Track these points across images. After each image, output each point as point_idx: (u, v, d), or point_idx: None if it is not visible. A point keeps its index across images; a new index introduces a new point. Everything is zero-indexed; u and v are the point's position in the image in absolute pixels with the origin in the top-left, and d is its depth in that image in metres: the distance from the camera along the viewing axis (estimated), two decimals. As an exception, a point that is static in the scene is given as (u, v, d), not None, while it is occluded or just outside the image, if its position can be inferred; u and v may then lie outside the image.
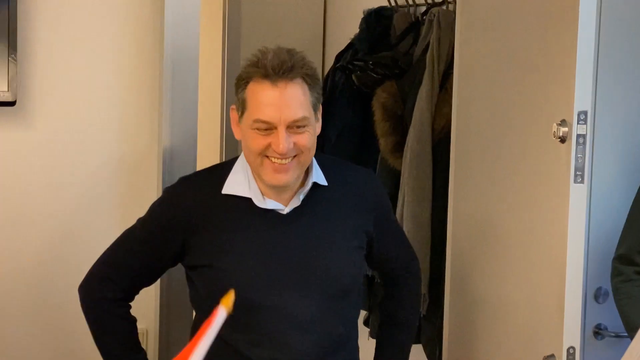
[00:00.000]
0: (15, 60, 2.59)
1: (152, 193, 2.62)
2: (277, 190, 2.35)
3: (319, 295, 2.36)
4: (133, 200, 2.72)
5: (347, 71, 3.66)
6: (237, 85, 2.32)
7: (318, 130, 2.39)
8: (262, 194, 2.35)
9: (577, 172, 2.37)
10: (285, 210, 2.36)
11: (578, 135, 2.35)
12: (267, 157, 2.28)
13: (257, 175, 2.34)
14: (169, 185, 2.51)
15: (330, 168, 2.44)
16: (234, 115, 2.36)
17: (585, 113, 2.34)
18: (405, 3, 3.72)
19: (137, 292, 2.46)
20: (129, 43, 2.72)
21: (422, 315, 3.38)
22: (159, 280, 2.71)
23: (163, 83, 2.70)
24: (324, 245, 2.38)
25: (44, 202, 2.72)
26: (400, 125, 3.47)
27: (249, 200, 2.35)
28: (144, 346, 2.82)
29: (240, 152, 2.42)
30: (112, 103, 2.73)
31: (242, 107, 2.30)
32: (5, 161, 2.68)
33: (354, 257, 2.44)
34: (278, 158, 2.27)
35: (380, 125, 3.49)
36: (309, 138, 2.29)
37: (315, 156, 2.39)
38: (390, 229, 2.58)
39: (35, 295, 2.75)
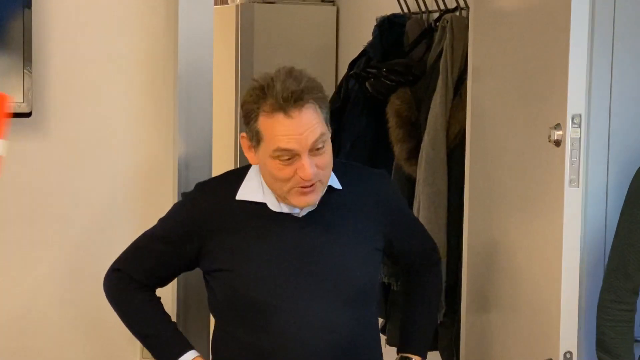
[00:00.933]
0: (31, 72, 2.60)
1: (168, 202, 2.62)
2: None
3: (334, 299, 2.36)
4: (149, 209, 2.72)
5: (360, 79, 3.67)
6: (247, 117, 2.30)
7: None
8: (277, 199, 2.36)
9: (572, 176, 2.37)
10: (301, 213, 2.37)
11: (572, 139, 2.35)
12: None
13: (282, 199, 2.33)
14: (223, 173, 2.51)
15: (344, 172, 2.44)
16: (245, 142, 2.34)
17: (579, 116, 2.34)
18: (418, 10, 3.73)
19: (155, 289, 2.49)
20: (143, 53, 2.73)
21: (439, 322, 3.38)
22: (175, 285, 2.72)
23: (177, 92, 2.71)
24: (339, 249, 2.39)
25: (61, 212, 2.73)
26: (414, 132, 3.48)
27: (264, 205, 2.36)
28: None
29: (236, 163, 2.44)
30: (127, 113, 2.74)
31: (256, 139, 2.28)
32: (22, 172, 2.68)
33: (370, 260, 2.44)
34: (303, 182, 2.28)
35: (395, 132, 3.50)
36: (328, 156, 2.30)
37: None
38: (408, 225, 2.59)
39: (54, 306, 2.76)
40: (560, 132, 2.37)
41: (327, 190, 2.38)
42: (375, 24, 3.79)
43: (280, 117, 2.24)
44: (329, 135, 2.32)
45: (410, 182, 3.48)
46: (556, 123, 2.39)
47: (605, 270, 3.05)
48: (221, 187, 2.41)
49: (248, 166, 2.42)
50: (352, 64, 3.81)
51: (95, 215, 2.74)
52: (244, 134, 2.33)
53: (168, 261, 2.43)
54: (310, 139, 2.26)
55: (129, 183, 2.75)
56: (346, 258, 2.38)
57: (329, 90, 3.80)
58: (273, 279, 2.33)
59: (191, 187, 2.56)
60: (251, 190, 2.37)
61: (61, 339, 2.78)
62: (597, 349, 2.99)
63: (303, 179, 2.26)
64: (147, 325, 2.45)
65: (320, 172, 2.28)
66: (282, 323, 2.32)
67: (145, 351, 2.54)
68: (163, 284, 2.49)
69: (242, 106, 2.34)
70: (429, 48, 3.59)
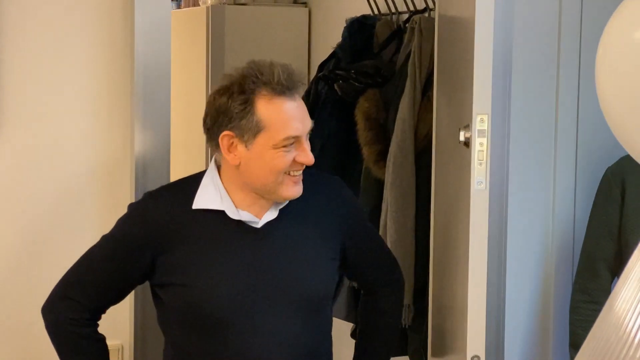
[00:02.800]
0: (-16, 72, 2.55)
1: (125, 204, 2.57)
2: (256, 202, 2.30)
3: (293, 311, 2.31)
4: (106, 212, 2.68)
5: (329, 80, 3.64)
6: (234, 112, 2.20)
7: None
8: (235, 205, 2.29)
9: (479, 178, 2.35)
10: (260, 223, 2.31)
11: (478, 140, 2.33)
12: (287, 173, 2.25)
13: (266, 193, 2.26)
14: (170, 182, 2.48)
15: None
16: (226, 141, 2.23)
17: (485, 116, 2.33)
18: (388, 11, 3.70)
19: (104, 312, 2.37)
20: (99, 51, 2.69)
21: (407, 326, 3.34)
22: (133, 295, 2.67)
23: (134, 92, 2.67)
24: (297, 259, 2.34)
25: (13, 215, 2.68)
26: (383, 134, 3.44)
27: (221, 213, 2.29)
28: (120, 362, 2.78)
29: (208, 166, 2.37)
30: (83, 114, 2.70)
31: (255, 130, 2.20)
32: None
33: (328, 269, 2.39)
34: (298, 170, 2.25)
35: (363, 134, 3.46)
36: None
37: None
38: (365, 236, 2.53)
39: (3, 307, 2.71)
40: (469, 134, 2.37)
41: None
42: (344, 25, 3.75)
43: (285, 101, 2.20)
44: None
45: (379, 185, 3.44)
46: (465, 124, 2.38)
47: (576, 272, 3.04)
48: (174, 195, 2.33)
49: (201, 173, 2.35)
50: (322, 66, 3.78)
51: (50, 218, 2.70)
52: (227, 132, 2.22)
53: (121, 280, 2.34)
54: (307, 126, 2.25)
55: (84, 185, 2.71)
56: (303, 270, 2.33)
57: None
58: (229, 293, 2.27)
59: (149, 189, 2.49)
60: (208, 197, 2.29)
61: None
62: (570, 349, 2.97)
63: (303, 164, 2.24)
64: None
65: None
66: (238, 338, 2.27)
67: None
68: (115, 303, 2.39)
69: (220, 105, 2.22)
70: (398, 49, 3.55)
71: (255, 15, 4.43)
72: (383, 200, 3.39)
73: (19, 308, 2.72)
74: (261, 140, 2.21)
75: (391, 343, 2.67)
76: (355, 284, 3.49)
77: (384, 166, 3.39)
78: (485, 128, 2.33)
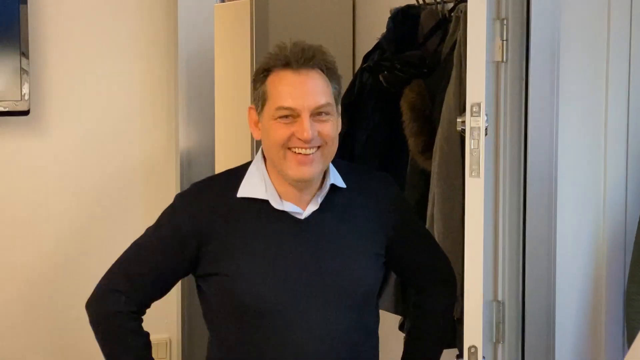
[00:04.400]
0: (28, 69, 2.56)
1: (170, 198, 2.57)
2: (296, 190, 2.29)
3: (335, 304, 2.29)
4: (151, 206, 2.68)
5: (374, 72, 3.61)
6: (256, 80, 2.28)
7: (339, 127, 2.34)
8: (280, 196, 2.29)
9: (473, 166, 2.32)
10: (304, 214, 2.30)
11: (472, 129, 2.30)
12: (290, 149, 2.23)
13: (279, 171, 2.27)
14: (220, 172, 2.47)
15: (347, 172, 2.38)
16: (252, 115, 2.30)
17: (478, 105, 2.30)
18: (433, 0, 3.66)
19: (149, 306, 2.38)
20: (143, 47, 2.69)
21: (457, 318, 3.31)
22: (179, 290, 2.67)
23: (179, 87, 2.66)
24: (341, 252, 2.32)
25: (60, 211, 2.70)
26: (429, 125, 3.41)
27: (266, 202, 2.29)
28: (167, 356, 2.78)
29: (255, 156, 2.37)
30: (127, 109, 2.70)
31: (262, 101, 2.25)
32: (21, 170, 2.66)
33: (372, 264, 2.37)
34: (302, 148, 2.22)
35: (409, 125, 3.43)
36: (332, 127, 2.25)
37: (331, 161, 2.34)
38: (413, 235, 2.50)
39: (50, 306, 2.73)
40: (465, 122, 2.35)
41: (330, 189, 2.31)
42: (389, 15, 3.72)
43: (288, 73, 2.21)
44: (337, 114, 2.26)
45: (426, 176, 3.41)
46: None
47: (630, 263, 2.99)
48: (219, 185, 2.34)
49: (248, 163, 2.35)
50: (366, 57, 3.75)
51: (96, 212, 2.71)
52: (251, 106, 2.28)
53: (167, 271, 2.33)
54: (314, 101, 2.21)
55: (129, 180, 2.71)
56: (346, 263, 2.31)
57: (346, 83, 3.75)
58: (271, 285, 2.26)
59: (194, 182, 2.49)
60: (253, 186, 2.30)
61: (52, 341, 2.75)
62: (625, 344, 2.93)
63: (301, 140, 2.19)
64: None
65: (320, 140, 2.20)
66: (279, 330, 2.25)
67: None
68: (160, 297, 2.39)
69: (253, 78, 2.30)
70: (443, 39, 3.51)
71: (299, 7, 4.40)
72: (429, 192, 3.36)
73: (66, 302, 2.73)
74: (266, 110, 2.24)
75: (441, 343, 2.64)
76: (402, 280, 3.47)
77: (430, 157, 3.36)
78: (479, 117, 2.29)
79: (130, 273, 2.34)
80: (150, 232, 2.36)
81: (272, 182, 2.30)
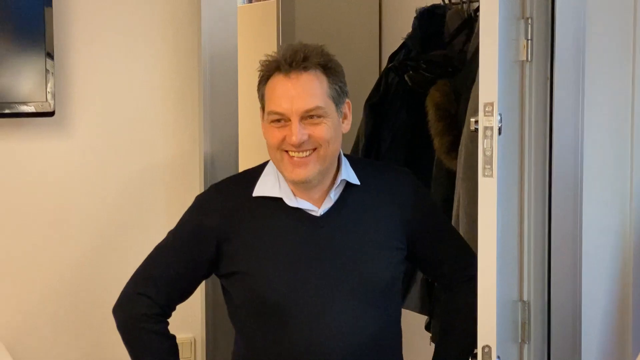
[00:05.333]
0: (53, 71, 2.57)
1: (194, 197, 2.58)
2: (305, 188, 2.30)
3: (354, 300, 2.30)
4: (175, 207, 2.68)
5: (399, 71, 3.60)
6: (259, 83, 2.32)
7: (346, 127, 2.34)
8: (294, 194, 2.30)
9: (486, 166, 2.30)
10: (319, 212, 2.30)
11: (485, 128, 2.28)
12: (286, 151, 2.24)
13: (280, 173, 2.30)
14: (237, 173, 2.51)
15: (363, 168, 2.38)
16: (261, 116, 2.34)
17: (491, 104, 2.28)
18: (459, 0, 3.64)
19: (174, 308, 2.40)
20: (166, 50, 2.70)
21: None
22: (203, 290, 2.67)
23: (202, 88, 2.66)
24: (359, 247, 2.32)
25: (85, 212, 2.71)
26: (454, 125, 3.40)
27: (281, 200, 2.30)
28: (192, 355, 2.78)
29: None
30: (151, 111, 2.71)
31: (262, 104, 2.29)
32: (46, 171, 2.67)
33: (391, 258, 2.37)
34: (295, 152, 2.23)
35: (434, 125, 3.43)
36: (326, 130, 2.25)
37: (347, 157, 2.34)
38: (436, 229, 2.49)
39: (75, 305, 2.74)
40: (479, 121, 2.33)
41: (345, 187, 2.32)
42: (415, 15, 3.72)
43: (279, 78, 2.24)
44: (335, 115, 2.26)
45: (451, 176, 3.40)
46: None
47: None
48: (236, 186, 2.36)
49: (265, 163, 2.36)
50: (392, 57, 3.75)
51: (121, 213, 2.72)
52: (260, 107, 2.33)
53: (189, 273, 2.35)
54: (302, 105, 2.21)
55: (153, 181, 2.72)
56: (365, 259, 2.31)
57: (372, 83, 3.75)
58: (289, 281, 2.27)
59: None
60: (267, 185, 2.32)
61: (85, 333, 2.76)
62: None
63: (290, 144, 2.21)
64: None
65: (313, 143, 2.20)
66: (299, 326, 2.26)
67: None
68: (184, 299, 2.41)
69: (258, 81, 2.33)
70: (469, 39, 3.50)
71: (325, 8, 4.40)
72: (455, 192, 3.35)
73: (92, 301, 2.74)
74: (264, 114, 2.28)
75: (472, 341, 2.62)
76: (429, 278, 3.46)
77: (456, 157, 3.34)
78: (492, 117, 2.28)
79: (154, 276, 2.35)
80: (172, 234, 2.38)
81: (286, 180, 2.31)
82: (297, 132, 2.21)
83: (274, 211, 2.31)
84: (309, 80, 2.24)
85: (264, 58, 2.32)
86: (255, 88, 2.37)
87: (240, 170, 2.64)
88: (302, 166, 2.25)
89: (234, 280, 2.33)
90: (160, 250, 2.38)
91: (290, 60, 2.24)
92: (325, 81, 2.26)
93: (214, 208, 2.34)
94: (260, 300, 2.29)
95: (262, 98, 2.30)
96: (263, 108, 2.30)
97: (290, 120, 2.23)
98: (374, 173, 2.40)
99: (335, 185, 2.32)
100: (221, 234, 2.31)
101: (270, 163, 2.36)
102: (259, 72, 2.32)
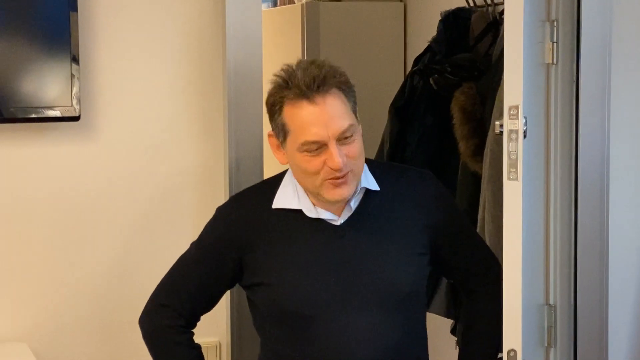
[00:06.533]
0: (78, 75, 2.58)
1: (220, 203, 2.58)
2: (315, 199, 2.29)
3: (377, 307, 2.29)
4: (201, 212, 2.69)
5: (424, 75, 3.60)
6: (271, 111, 2.24)
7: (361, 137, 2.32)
8: (313, 205, 2.29)
9: (511, 169, 2.28)
10: (339, 221, 2.29)
11: (510, 131, 2.26)
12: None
13: (315, 195, 2.27)
14: (257, 183, 2.48)
15: (383, 173, 2.35)
16: (272, 141, 2.28)
17: (516, 108, 2.26)
18: (484, 3, 3.63)
19: (198, 319, 2.40)
20: (191, 55, 2.71)
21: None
22: (229, 295, 2.67)
23: (226, 95, 2.67)
24: (380, 254, 2.30)
25: (111, 215, 2.72)
26: (480, 128, 3.39)
27: (300, 212, 2.28)
28: (217, 359, 2.78)
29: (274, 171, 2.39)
30: (175, 116, 2.72)
31: (282, 133, 2.23)
32: (72, 175, 2.69)
33: (413, 263, 2.35)
34: (333, 175, 2.20)
35: (460, 128, 3.42)
36: (358, 146, 2.23)
37: (367, 161, 2.32)
38: (458, 232, 2.47)
39: (100, 308, 2.75)
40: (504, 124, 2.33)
41: (365, 194, 2.30)
42: (440, 18, 3.71)
43: (304, 105, 2.17)
44: (358, 126, 2.23)
45: (477, 179, 3.39)
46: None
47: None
48: (256, 197, 2.34)
49: (283, 173, 2.35)
50: (417, 60, 3.74)
51: (145, 218, 2.72)
52: (270, 132, 2.25)
53: (212, 284, 2.35)
54: (337, 127, 2.17)
55: (179, 186, 2.73)
56: (387, 265, 2.29)
57: (397, 87, 3.74)
58: (313, 291, 2.26)
59: (242, 188, 2.52)
60: (286, 197, 2.30)
61: (104, 335, 2.77)
62: None
63: (332, 169, 2.17)
64: None
65: (350, 162, 2.18)
66: (324, 335, 2.25)
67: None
68: (208, 310, 2.40)
69: (266, 101, 2.26)
70: (494, 42, 3.49)
71: (350, 12, 4.41)
72: (480, 195, 3.34)
73: (118, 305, 2.75)
74: (289, 143, 2.22)
75: (496, 343, 2.60)
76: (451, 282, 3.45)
77: (481, 160, 3.34)
78: (517, 120, 2.26)
79: (177, 288, 2.36)
80: (194, 246, 2.39)
81: (305, 191, 2.30)
82: (338, 156, 2.17)
83: (295, 222, 2.30)
84: (334, 101, 2.20)
85: (272, 80, 2.24)
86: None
87: (265, 174, 2.63)
88: (342, 186, 2.22)
89: (258, 291, 2.33)
90: (183, 262, 2.39)
91: (311, 84, 2.17)
92: (344, 97, 2.23)
93: (235, 220, 2.34)
94: (284, 311, 2.29)
95: (282, 128, 2.22)
96: (283, 137, 2.23)
97: (326, 145, 2.18)
98: (395, 177, 2.37)
99: (356, 194, 2.29)
100: (243, 245, 2.31)
101: (288, 174, 2.33)
102: (273, 92, 2.24)
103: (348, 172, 2.21)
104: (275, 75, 2.25)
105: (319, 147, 2.19)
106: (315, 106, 2.18)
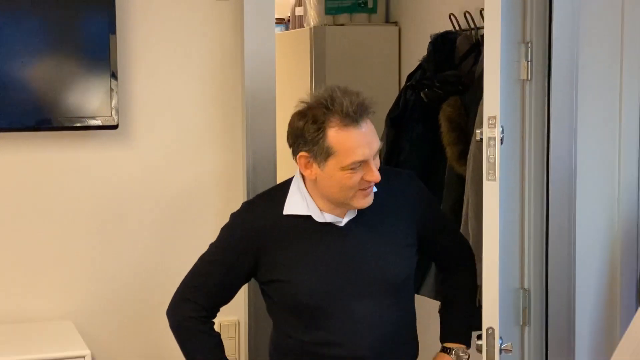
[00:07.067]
0: (117, 89, 2.59)
1: (238, 202, 2.57)
2: (332, 205, 2.28)
3: (378, 294, 2.29)
4: (222, 210, 2.69)
5: (416, 89, 3.59)
6: (308, 137, 2.19)
7: None
8: (320, 210, 2.28)
9: (489, 171, 2.29)
10: (343, 222, 2.29)
11: (489, 138, 2.27)
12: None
13: (342, 204, 2.25)
14: (253, 196, 2.48)
15: None
16: (303, 160, 2.23)
17: (494, 118, 2.27)
18: (468, 27, 3.63)
19: (218, 310, 2.39)
20: (215, 76, 2.72)
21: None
22: (245, 291, 2.66)
23: (245, 107, 2.67)
24: (378, 250, 2.31)
25: (144, 213, 2.72)
26: (464, 136, 3.38)
27: (309, 217, 2.28)
28: (236, 336, 2.79)
29: (294, 174, 2.36)
30: (201, 126, 2.72)
31: (325, 154, 2.18)
32: (110, 176, 2.69)
33: (406, 254, 2.36)
34: (367, 186, 2.22)
35: (447, 136, 3.41)
36: (379, 159, 2.25)
37: None
38: (437, 221, 2.49)
39: (133, 292, 2.74)
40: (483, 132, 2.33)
41: None
42: (429, 41, 3.70)
43: (351, 130, 2.16)
44: None
45: (461, 181, 3.38)
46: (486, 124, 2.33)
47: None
48: (267, 203, 2.33)
49: (289, 180, 2.33)
50: (410, 77, 3.73)
51: (174, 213, 2.72)
52: (303, 153, 2.21)
53: (230, 281, 2.34)
54: (375, 147, 2.20)
55: (203, 187, 2.73)
56: (385, 258, 2.30)
57: (393, 99, 3.74)
58: (324, 286, 2.26)
59: (259, 190, 2.50)
60: (296, 204, 2.28)
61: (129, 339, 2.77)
62: None
63: (370, 182, 2.19)
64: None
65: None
66: (332, 321, 2.27)
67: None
68: (226, 302, 2.39)
69: (297, 128, 2.21)
70: (476, 61, 3.48)
71: (351, 35, 4.41)
72: (464, 194, 3.33)
73: (152, 293, 2.75)
74: (331, 163, 2.19)
75: (470, 312, 2.58)
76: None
77: (465, 164, 3.33)
78: (495, 128, 2.27)
79: (199, 285, 2.34)
80: (213, 247, 2.37)
81: (312, 199, 2.29)
82: (376, 171, 2.20)
83: (304, 226, 2.29)
84: (370, 125, 2.22)
85: (306, 105, 2.21)
86: (290, 105, 2.32)
87: (278, 177, 2.63)
88: (369, 195, 2.25)
89: (273, 287, 2.32)
90: (203, 262, 2.37)
91: (357, 113, 2.17)
92: (371, 122, 2.25)
93: (247, 225, 2.31)
94: (296, 303, 2.29)
95: (325, 151, 2.18)
96: (325, 157, 2.19)
97: (366, 162, 2.19)
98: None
99: None
100: (258, 248, 2.29)
101: (295, 183, 2.31)
102: (306, 119, 2.19)
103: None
104: (303, 102, 2.22)
105: (360, 164, 2.19)
106: (360, 130, 2.17)
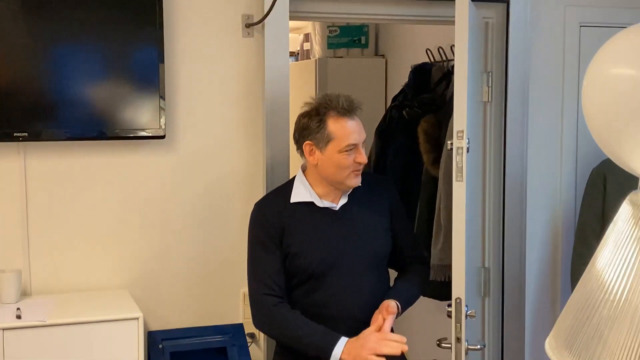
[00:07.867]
0: (164, 107, 2.62)
1: (259, 196, 2.58)
2: (337, 190, 2.32)
3: (366, 265, 2.33)
4: (247, 202, 2.70)
5: (399, 108, 3.62)
6: (311, 126, 2.25)
7: None
8: (319, 197, 2.33)
9: (458, 174, 2.33)
10: (337, 207, 2.33)
11: (457, 147, 2.32)
12: (350, 169, 2.26)
13: (339, 183, 2.28)
14: (270, 190, 2.50)
15: (362, 175, 2.37)
16: (308, 148, 2.27)
17: (462, 131, 2.32)
18: (441, 59, 3.67)
19: (285, 291, 2.31)
20: (241, 93, 2.73)
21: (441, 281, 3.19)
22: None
23: (264, 119, 2.70)
24: (366, 229, 2.34)
25: (185, 203, 2.72)
26: (437, 145, 3.41)
27: (311, 203, 2.32)
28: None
29: (295, 173, 2.39)
30: (230, 134, 2.73)
31: (326, 140, 2.24)
32: (158, 177, 2.70)
33: (387, 235, 2.40)
34: (357, 167, 2.27)
35: (423, 145, 3.44)
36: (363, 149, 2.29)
37: None
38: (402, 225, 2.47)
39: (179, 267, 2.74)
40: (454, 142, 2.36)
41: (351, 189, 2.34)
42: (410, 70, 3.73)
43: (347, 120, 2.24)
44: None
45: (435, 181, 3.41)
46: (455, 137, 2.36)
47: (573, 242, 2.97)
48: (276, 198, 2.36)
49: (290, 181, 2.38)
50: (394, 99, 3.76)
51: (210, 205, 2.73)
52: (308, 142, 2.27)
53: (279, 261, 2.30)
54: (363, 135, 2.28)
55: (232, 182, 2.74)
56: (370, 236, 2.34)
57: (380, 116, 3.77)
58: (322, 256, 2.30)
59: (275, 185, 2.52)
60: (300, 193, 2.33)
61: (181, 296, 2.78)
62: (571, 288, 2.89)
63: (360, 163, 2.25)
64: (302, 330, 2.24)
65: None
66: (331, 286, 2.30)
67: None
68: (285, 280, 2.32)
69: (303, 124, 2.28)
70: (448, 86, 3.52)
71: (348, 65, 4.44)
72: (437, 192, 3.37)
73: (194, 266, 2.72)
74: (331, 147, 2.25)
75: (415, 293, 2.44)
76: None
77: (438, 168, 3.36)
78: (462, 140, 2.32)
79: (264, 277, 2.28)
80: (251, 245, 2.33)
81: (313, 188, 2.33)
82: (364, 154, 2.28)
83: (308, 210, 2.32)
84: (359, 120, 2.30)
85: (309, 105, 2.28)
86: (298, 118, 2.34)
87: (291, 172, 2.66)
88: (359, 175, 2.30)
89: (290, 259, 2.31)
90: (254, 261, 2.32)
91: (351, 107, 2.25)
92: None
93: (264, 220, 2.31)
94: (303, 271, 2.30)
95: (326, 137, 2.24)
96: (326, 143, 2.24)
97: (357, 147, 2.25)
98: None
99: (349, 189, 2.33)
100: (281, 228, 2.29)
101: (298, 178, 2.35)
102: (310, 116, 2.26)
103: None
104: (309, 103, 2.29)
105: (353, 148, 2.24)
106: (352, 120, 2.25)
